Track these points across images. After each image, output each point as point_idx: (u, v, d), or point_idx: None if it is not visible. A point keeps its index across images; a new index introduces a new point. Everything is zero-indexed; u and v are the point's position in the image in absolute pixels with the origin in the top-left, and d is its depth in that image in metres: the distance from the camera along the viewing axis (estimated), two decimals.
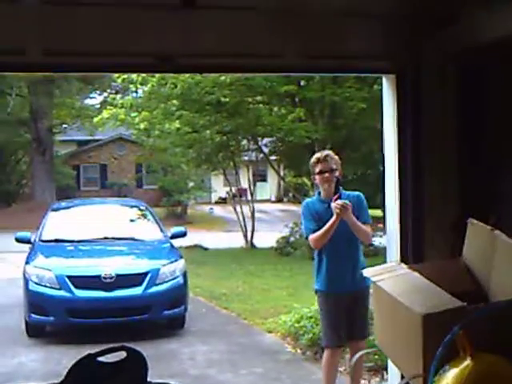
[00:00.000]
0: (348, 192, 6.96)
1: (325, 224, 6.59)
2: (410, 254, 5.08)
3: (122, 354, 2.64)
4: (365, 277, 6.74)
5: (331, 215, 6.54)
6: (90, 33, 4.60)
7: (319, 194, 6.89)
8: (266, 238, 23.14)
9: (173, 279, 11.65)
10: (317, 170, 6.78)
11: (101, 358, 2.55)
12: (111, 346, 2.70)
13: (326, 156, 6.81)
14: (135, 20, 4.59)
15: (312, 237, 6.71)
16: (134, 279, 11.37)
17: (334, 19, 4.83)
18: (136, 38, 4.68)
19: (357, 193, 7.00)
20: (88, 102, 45.21)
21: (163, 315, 11.54)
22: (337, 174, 6.73)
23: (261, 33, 4.87)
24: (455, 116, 5.09)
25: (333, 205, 6.49)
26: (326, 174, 6.69)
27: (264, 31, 4.86)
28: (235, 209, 24.71)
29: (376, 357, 7.99)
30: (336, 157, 6.91)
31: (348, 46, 5.06)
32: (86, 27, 4.56)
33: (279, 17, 4.76)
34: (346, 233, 6.60)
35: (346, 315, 6.80)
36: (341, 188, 6.68)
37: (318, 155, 6.91)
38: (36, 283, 11.32)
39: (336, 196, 6.51)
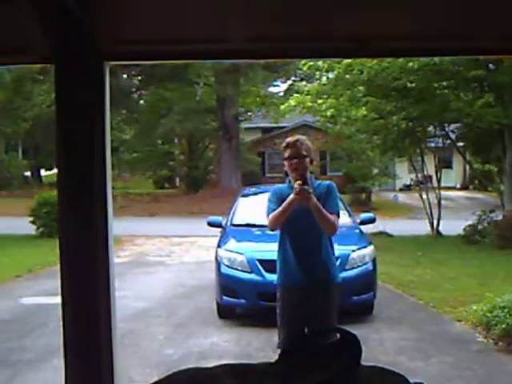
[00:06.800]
0: (320, 181, 6.66)
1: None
2: None
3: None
4: (333, 273, 6.43)
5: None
6: (290, 16, 4.63)
7: (289, 182, 6.41)
8: (452, 226, 22.64)
9: (362, 265, 11.64)
10: (285, 155, 6.32)
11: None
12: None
13: (296, 141, 6.32)
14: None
15: (269, 217, 6.40)
16: None
17: None
18: (329, 20, 4.67)
19: (328, 182, 6.65)
20: (272, 89, 45.86)
21: (352, 301, 11.38)
22: (307, 160, 6.25)
23: (452, 13, 4.73)
24: None
25: (295, 186, 6.08)
26: (295, 160, 6.21)
27: (453, 12, 4.71)
28: (421, 196, 24.35)
29: None
30: (309, 142, 6.43)
31: None
32: (285, 10, 4.60)
33: None
34: (308, 223, 6.21)
35: (304, 312, 6.36)
36: (310, 176, 6.28)
37: (288, 139, 6.44)
38: (228, 266, 11.61)
39: (299, 181, 6.04)
